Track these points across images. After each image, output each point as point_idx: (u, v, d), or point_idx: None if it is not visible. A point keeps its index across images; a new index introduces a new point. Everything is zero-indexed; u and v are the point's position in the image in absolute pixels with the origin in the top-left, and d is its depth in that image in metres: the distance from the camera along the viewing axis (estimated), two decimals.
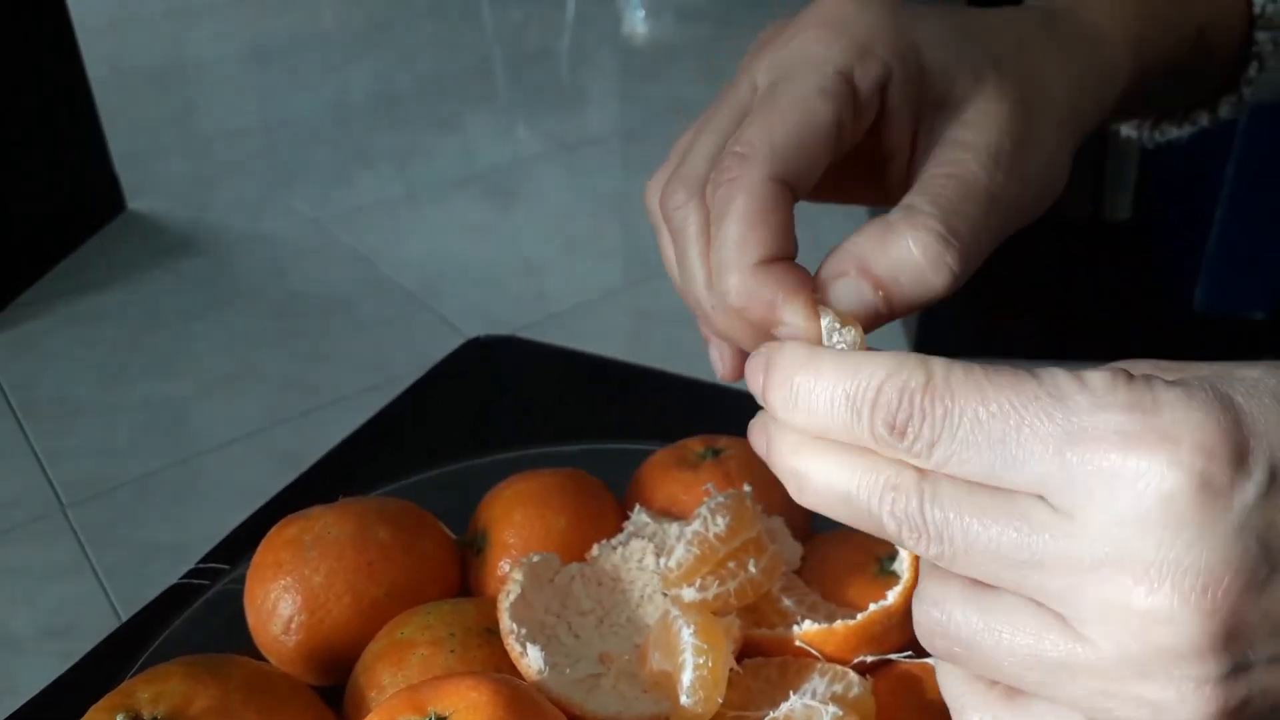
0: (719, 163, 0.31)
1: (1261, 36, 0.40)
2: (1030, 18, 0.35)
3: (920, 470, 0.25)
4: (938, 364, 0.25)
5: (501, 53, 3.24)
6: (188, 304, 2.01)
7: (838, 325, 0.30)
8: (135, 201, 2.30)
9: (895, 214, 0.31)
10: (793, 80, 0.31)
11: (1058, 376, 0.24)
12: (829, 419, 0.26)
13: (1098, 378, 0.24)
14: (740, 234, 0.30)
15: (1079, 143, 0.35)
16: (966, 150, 0.31)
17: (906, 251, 0.30)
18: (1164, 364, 0.27)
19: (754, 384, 0.29)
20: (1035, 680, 0.25)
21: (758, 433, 0.29)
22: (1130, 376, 0.24)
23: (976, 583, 0.26)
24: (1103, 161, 1.75)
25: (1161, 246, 1.77)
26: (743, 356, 0.34)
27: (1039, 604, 0.25)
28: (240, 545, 0.53)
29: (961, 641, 0.26)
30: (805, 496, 0.28)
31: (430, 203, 2.36)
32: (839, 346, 0.30)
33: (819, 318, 0.30)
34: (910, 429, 0.25)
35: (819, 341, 0.30)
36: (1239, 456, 0.22)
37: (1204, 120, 0.43)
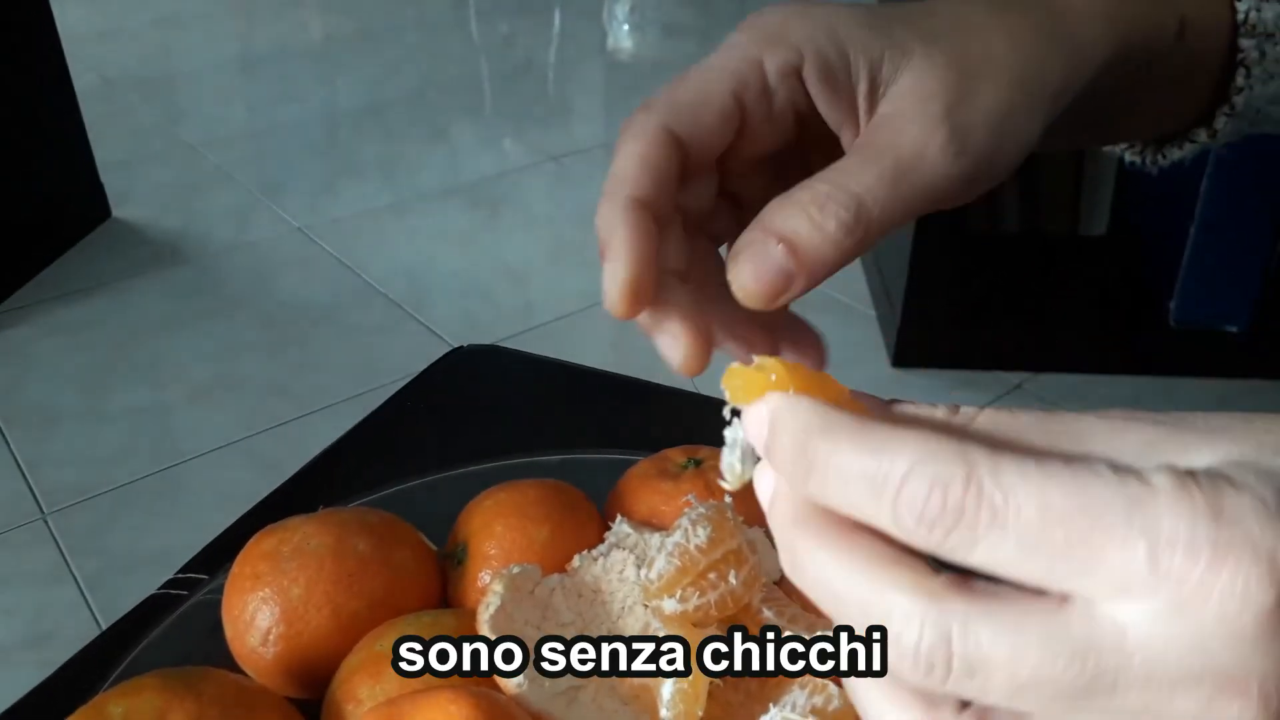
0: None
1: (1246, 44, 0.40)
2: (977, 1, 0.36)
3: (946, 586, 0.22)
4: (979, 455, 0.22)
5: (488, 65, 3.24)
6: (172, 312, 2.00)
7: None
8: (120, 209, 2.29)
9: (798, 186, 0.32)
10: (705, 63, 0.34)
11: (1120, 471, 0.22)
12: (842, 497, 0.24)
13: (1164, 478, 0.22)
14: (621, 169, 0.33)
15: (1049, 114, 0.35)
16: (884, 117, 0.33)
17: (799, 207, 0.31)
18: (1163, 418, 0.25)
19: (752, 434, 0.26)
20: None
21: (764, 481, 0.27)
22: (1194, 476, 0.22)
23: None
24: (1080, 176, 1.75)
25: (1139, 260, 1.77)
26: (699, 341, 0.33)
27: None
28: (220, 555, 0.53)
29: None
30: (796, 576, 0.25)
31: (417, 213, 2.36)
32: None
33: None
34: (942, 525, 0.22)
35: (647, 281, 0.32)
36: None
37: (1203, 138, 0.43)
